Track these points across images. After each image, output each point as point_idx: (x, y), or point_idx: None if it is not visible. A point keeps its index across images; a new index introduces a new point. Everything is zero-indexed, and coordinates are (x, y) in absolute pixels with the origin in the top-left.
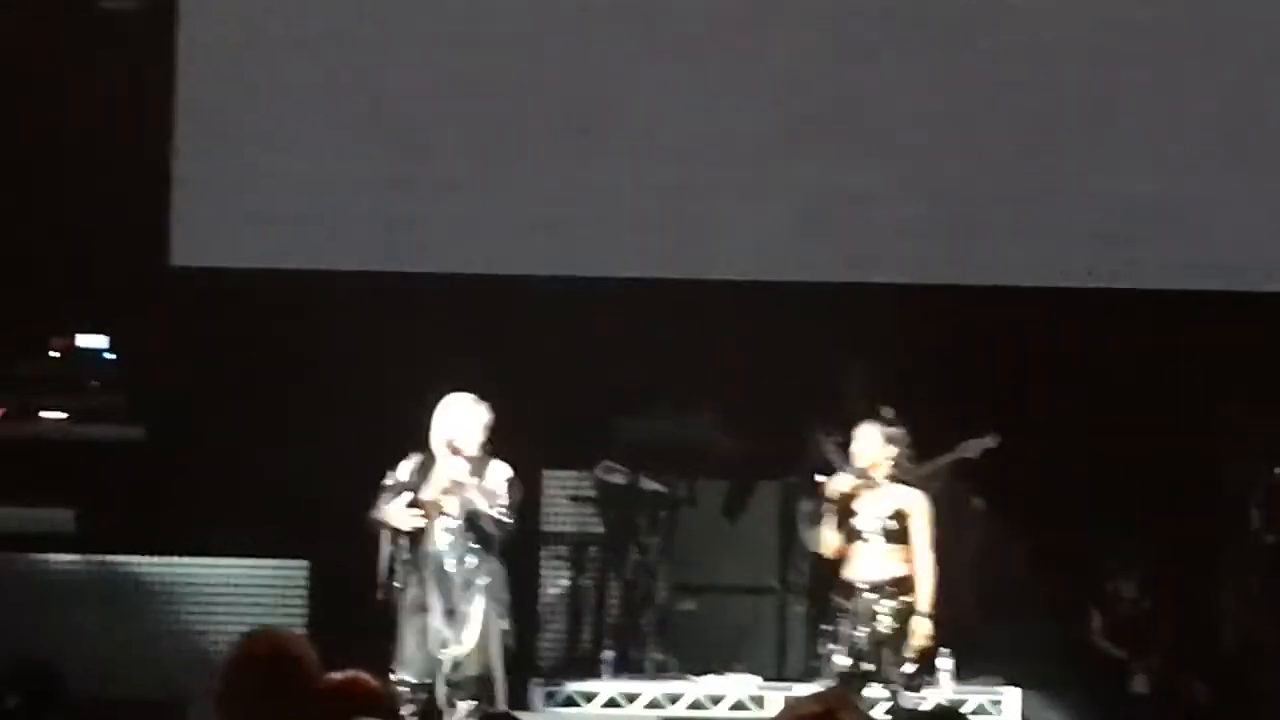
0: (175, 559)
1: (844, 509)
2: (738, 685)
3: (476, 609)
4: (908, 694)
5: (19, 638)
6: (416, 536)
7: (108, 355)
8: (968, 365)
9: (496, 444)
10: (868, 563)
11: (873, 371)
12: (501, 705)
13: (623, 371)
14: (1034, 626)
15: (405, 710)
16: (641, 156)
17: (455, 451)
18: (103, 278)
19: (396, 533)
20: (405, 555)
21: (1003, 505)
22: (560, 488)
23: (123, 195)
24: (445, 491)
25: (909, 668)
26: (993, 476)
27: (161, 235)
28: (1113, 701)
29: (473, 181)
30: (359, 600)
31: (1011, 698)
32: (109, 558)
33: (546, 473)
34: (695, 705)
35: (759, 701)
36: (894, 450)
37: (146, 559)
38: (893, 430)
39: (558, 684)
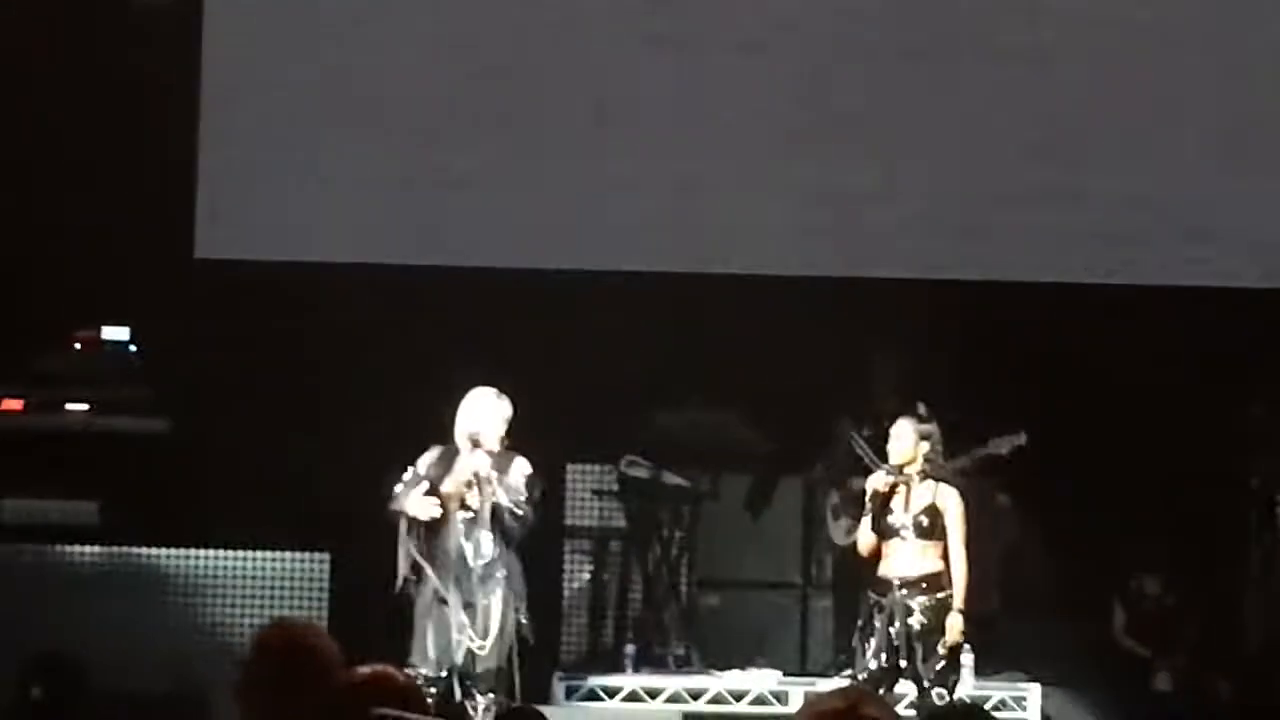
0: (197, 551)
1: (879, 506)
2: (760, 680)
3: (495, 602)
4: (938, 690)
5: (42, 630)
6: (436, 529)
7: (131, 348)
8: (990, 362)
9: (520, 438)
10: (902, 559)
11: (899, 367)
12: (518, 698)
13: (647, 366)
14: (1057, 623)
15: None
16: (668, 150)
17: (477, 445)
18: (126, 271)
19: (414, 524)
20: (424, 547)
21: (1025, 502)
22: (584, 482)
23: (147, 189)
24: (466, 484)
25: (940, 665)
26: (1015, 473)
27: (185, 229)
28: (1135, 699)
29: (496, 175)
30: (380, 592)
31: (1034, 694)
32: (131, 550)
33: (570, 467)
34: (717, 700)
35: (781, 696)
36: (928, 447)
37: (169, 551)
38: (927, 427)
39: (580, 678)
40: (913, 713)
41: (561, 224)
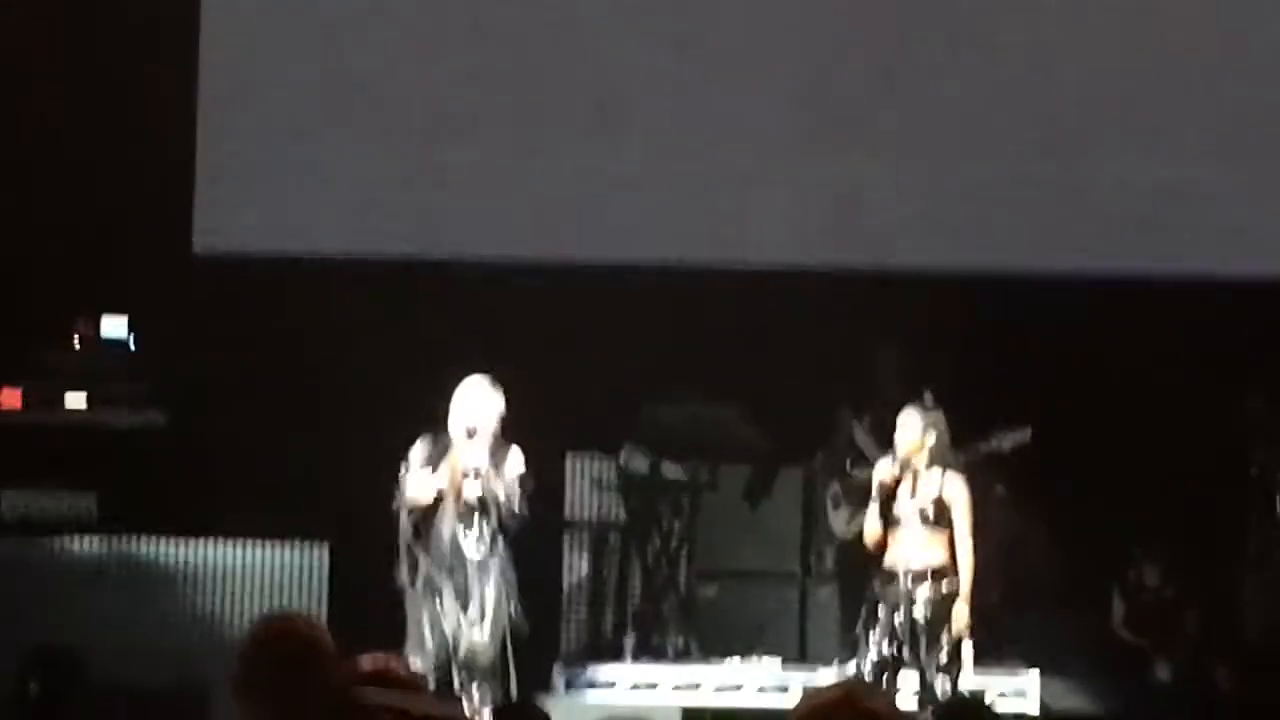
0: (196, 543)
1: (885, 495)
2: (760, 671)
3: (490, 592)
4: (941, 680)
5: (41, 623)
6: (430, 520)
7: (130, 342)
8: (990, 354)
9: (520, 430)
10: (908, 549)
11: (900, 358)
12: (513, 688)
13: (646, 357)
14: (1057, 614)
15: None
16: (668, 143)
17: (472, 435)
18: (125, 265)
19: (412, 512)
20: (419, 538)
21: (1025, 492)
22: (583, 473)
23: (146, 185)
24: (462, 475)
25: (944, 655)
26: (1015, 464)
27: (184, 223)
28: (1134, 689)
29: (496, 168)
30: (380, 584)
31: (1033, 684)
32: (130, 543)
33: (570, 458)
34: (718, 690)
35: (781, 687)
36: (935, 436)
37: (167, 544)
38: (934, 416)
39: (580, 669)
40: (915, 703)
41: (562, 218)
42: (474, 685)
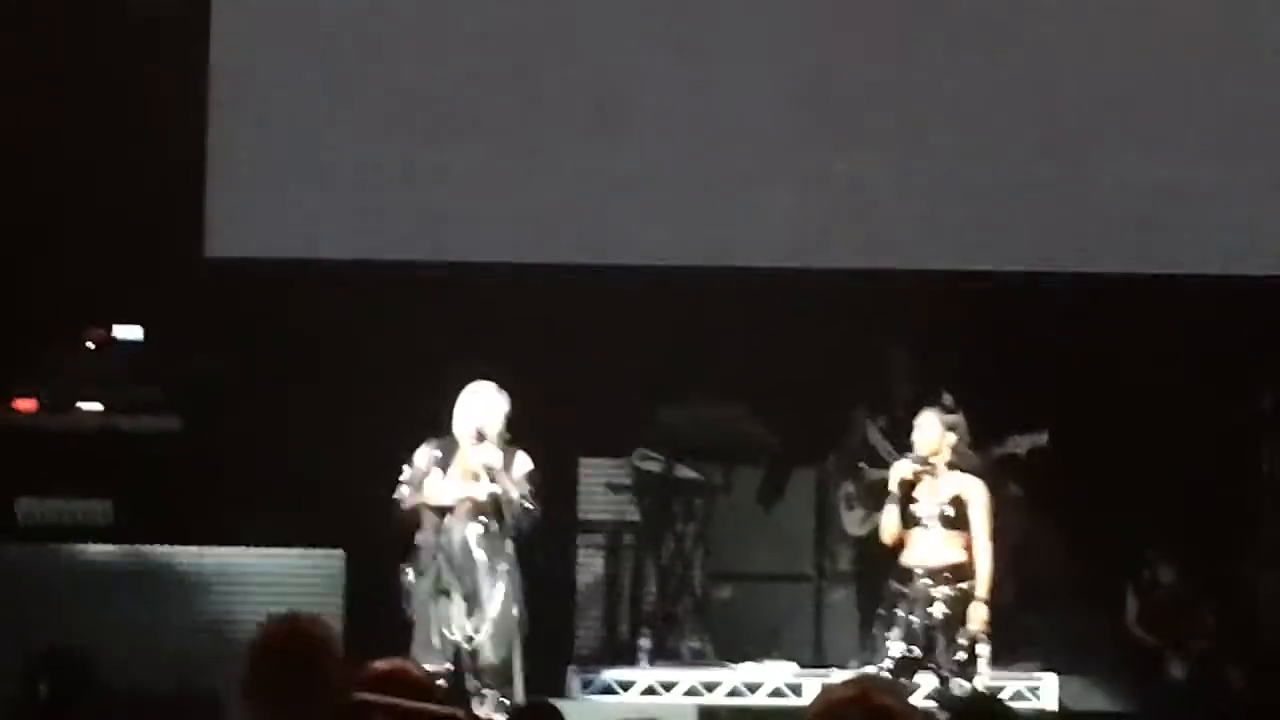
0: (211, 549)
1: (904, 495)
2: (775, 672)
3: (498, 595)
4: (958, 680)
5: (57, 629)
6: (439, 521)
7: (143, 347)
8: (1001, 352)
9: (533, 433)
10: (925, 549)
11: (911, 358)
12: (520, 690)
13: (659, 359)
14: (1071, 613)
15: None
16: (679, 145)
17: (480, 438)
18: (138, 270)
19: (420, 516)
20: (433, 540)
21: (1039, 492)
22: (597, 475)
23: (157, 188)
24: (474, 477)
25: (961, 654)
26: (1029, 464)
27: (196, 227)
28: (1149, 688)
29: (507, 171)
30: (396, 589)
31: (1049, 684)
32: (145, 548)
33: (583, 460)
34: (733, 693)
35: (796, 688)
36: (954, 437)
37: (182, 549)
38: (953, 417)
39: (595, 671)
40: (931, 703)
41: (570, 219)
42: (484, 688)
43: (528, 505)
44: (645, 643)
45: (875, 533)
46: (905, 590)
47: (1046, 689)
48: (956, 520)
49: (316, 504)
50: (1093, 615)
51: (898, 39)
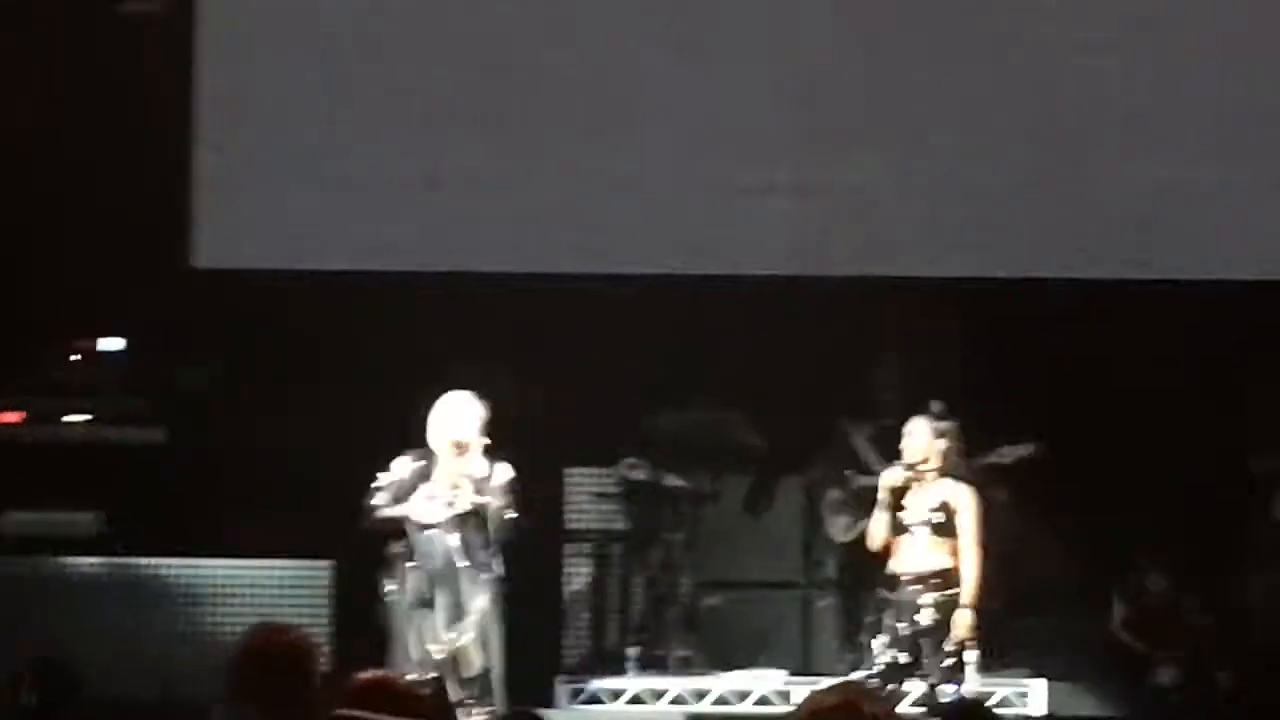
0: (198, 560)
1: (893, 502)
2: (763, 680)
3: (480, 605)
4: (945, 687)
5: (43, 639)
6: (422, 532)
7: (129, 358)
8: (990, 358)
9: (521, 441)
10: (913, 555)
11: (900, 365)
12: (500, 700)
13: (646, 368)
14: (1060, 620)
15: None
16: (668, 153)
17: (460, 448)
18: (124, 280)
19: (408, 528)
20: (411, 552)
21: (1027, 498)
22: (584, 485)
23: (144, 198)
24: (454, 487)
25: (948, 661)
26: (1017, 470)
27: (182, 237)
28: (1137, 693)
29: (496, 180)
30: (383, 600)
31: (1038, 689)
32: (132, 559)
33: (570, 470)
34: (721, 701)
35: (785, 696)
36: (943, 444)
37: (169, 560)
38: (943, 425)
39: (583, 681)
40: (919, 709)
41: (562, 227)
42: (467, 698)
43: (510, 515)
44: (633, 651)
45: (861, 539)
46: (892, 597)
47: (1035, 695)
48: (944, 527)
49: (304, 515)
50: (1081, 621)
51: (896, 40)
